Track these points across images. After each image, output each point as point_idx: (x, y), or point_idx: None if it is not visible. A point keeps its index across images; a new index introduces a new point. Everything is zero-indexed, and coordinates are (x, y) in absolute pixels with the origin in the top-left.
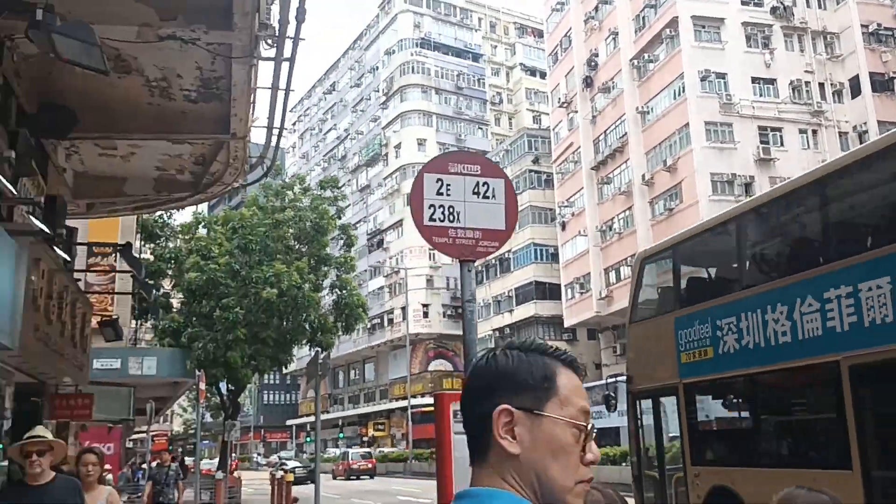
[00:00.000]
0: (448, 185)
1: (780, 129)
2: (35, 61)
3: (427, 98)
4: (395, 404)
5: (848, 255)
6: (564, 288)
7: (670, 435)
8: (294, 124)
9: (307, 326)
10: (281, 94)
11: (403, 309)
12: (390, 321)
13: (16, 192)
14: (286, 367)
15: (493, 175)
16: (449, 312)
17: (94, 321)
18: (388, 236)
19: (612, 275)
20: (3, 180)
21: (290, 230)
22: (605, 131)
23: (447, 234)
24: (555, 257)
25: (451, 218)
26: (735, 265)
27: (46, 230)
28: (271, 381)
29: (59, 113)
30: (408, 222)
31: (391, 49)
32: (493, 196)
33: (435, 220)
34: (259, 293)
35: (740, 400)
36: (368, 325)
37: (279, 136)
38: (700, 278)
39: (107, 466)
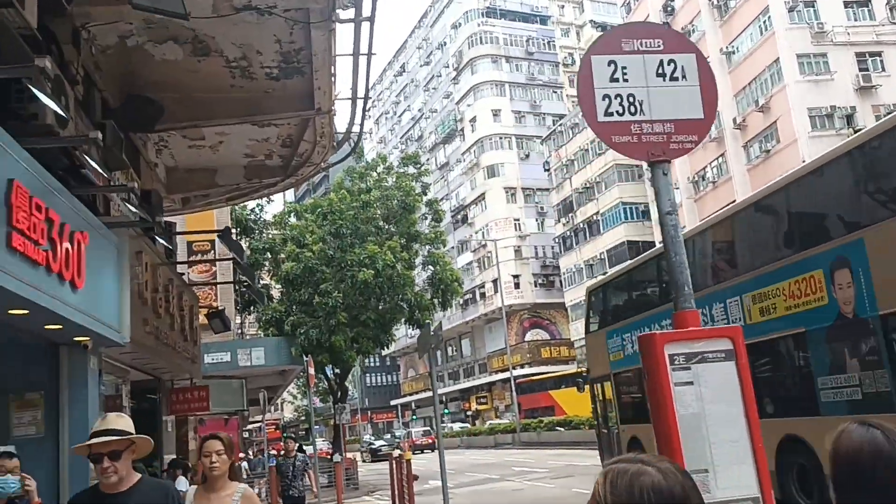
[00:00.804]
0: (623, 68)
1: (879, 54)
2: (114, 53)
3: (498, 67)
4: (495, 377)
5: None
6: (658, 244)
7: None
8: (368, 110)
9: (404, 305)
10: (363, 60)
11: (494, 282)
12: (482, 295)
13: (107, 177)
14: (387, 348)
15: (681, 50)
16: (540, 281)
17: (202, 314)
18: (472, 211)
19: None
20: (93, 163)
21: (378, 211)
22: None
23: (629, 131)
24: (646, 214)
25: (633, 109)
26: (629, 299)
27: (145, 217)
28: (372, 364)
29: (144, 105)
30: (490, 195)
31: (457, 22)
32: (684, 77)
33: (612, 115)
34: (355, 276)
35: (636, 384)
36: (461, 301)
37: (364, 105)
38: (617, 305)
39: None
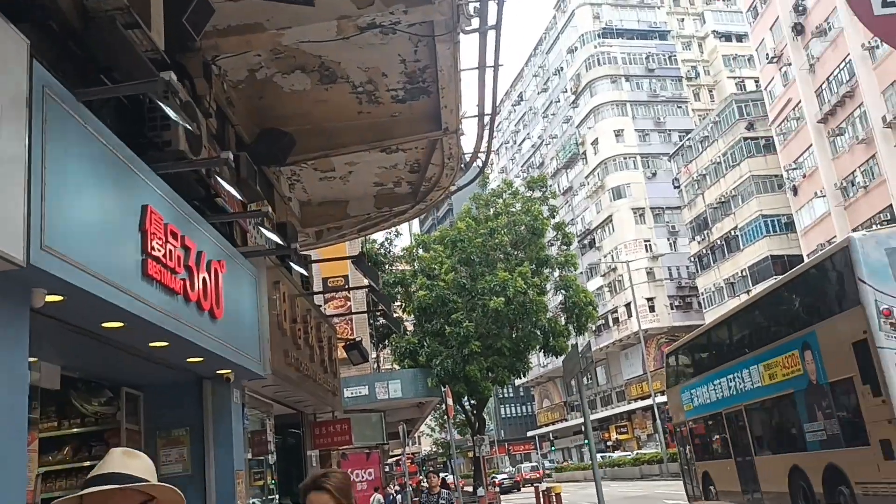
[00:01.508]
0: None
1: None
2: (245, 87)
3: (618, 87)
4: (634, 405)
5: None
6: (807, 258)
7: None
8: (497, 125)
9: (538, 332)
10: (489, 73)
11: (627, 306)
12: (615, 320)
13: (242, 200)
14: (523, 376)
15: None
16: (676, 303)
17: (339, 346)
18: (599, 234)
19: None
20: (227, 185)
21: (507, 237)
22: (827, 78)
23: None
24: (789, 227)
25: None
26: (693, 362)
27: (281, 242)
28: (506, 395)
29: (276, 138)
30: (617, 217)
31: (573, 46)
32: None
33: (892, 6)
34: (486, 304)
35: (705, 430)
36: (593, 328)
37: (492, 120)
38: (685, 366)
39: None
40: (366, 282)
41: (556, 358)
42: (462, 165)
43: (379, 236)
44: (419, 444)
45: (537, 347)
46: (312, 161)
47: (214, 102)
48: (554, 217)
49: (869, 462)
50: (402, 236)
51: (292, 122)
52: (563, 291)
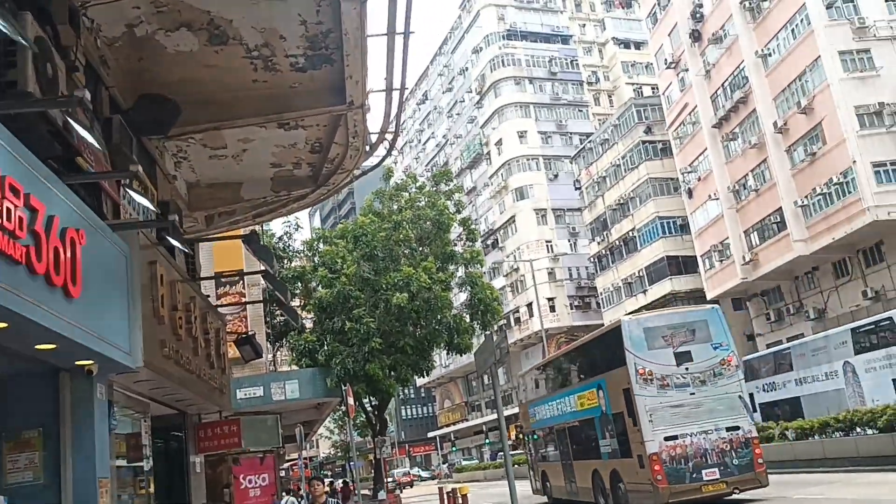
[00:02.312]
0: None
1: None
2: (123, 46)
3: (521, 89)
4: None
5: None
6: (701, 259)
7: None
8: (406, 100)
9: (442, 329)
10: (399, 41)
11: (529, 306)
12: (517, 320)
13: (105, 153)
14: (427, 374)
15: None
16: (576, 303)
17: (230, 341)
18: (502, 235)
19: (755, 236)
20: (83, 131)
21: (411, 232)
22: (722, 84)
23: None
24: (684, 228)
25: None
26: (535, 385)
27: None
28: (408, 396)
29: (158, 105)
30: (520, 217)
31: (478, 47)
32: None
33: None
34: (389, 300)
35: (545, 436)
36: (496, 328)
37: (402, 96)
38: (530, 388)
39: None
40: (261, 275)
41: (461, 356)
42: (367, 146)
43: (278, 228)
44: (317, 447)
45: (441, 345)
46: (201, 135)
47: (83, 57)
48: (460, 212)
49: (633, 469)
50: (303, 230)
51: (178, 89)
52: (468, 288)
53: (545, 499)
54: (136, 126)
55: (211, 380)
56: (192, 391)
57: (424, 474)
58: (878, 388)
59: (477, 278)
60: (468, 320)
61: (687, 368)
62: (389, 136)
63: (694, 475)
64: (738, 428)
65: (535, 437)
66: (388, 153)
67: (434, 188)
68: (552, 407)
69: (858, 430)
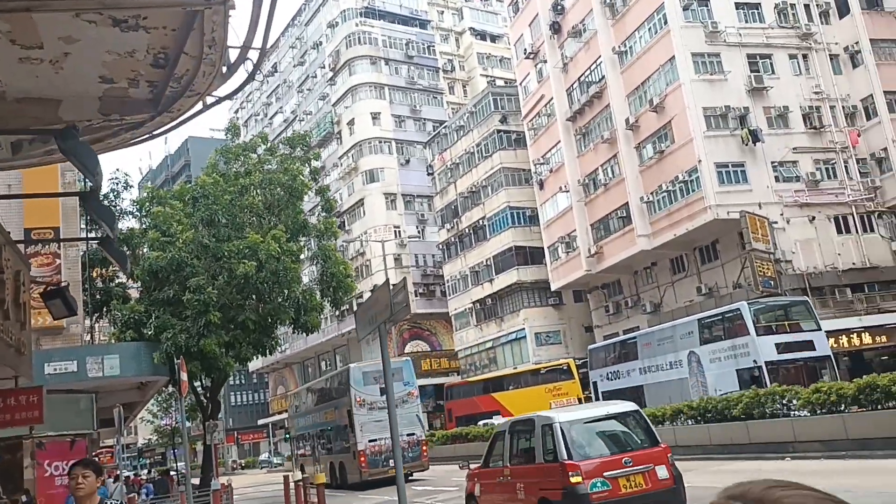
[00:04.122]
0: None
1: (769, 56)
2: None
3: (377, 69)
4: None
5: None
6: (548, 250)
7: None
8: (236, 112)
9: (289, 305)
10: None
11: (373, 292)
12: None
13: None
14: (271, 353)
15: None
16: (420, 290)
17: (35, 294)
18: (349, 217)
19: (601, 229)
20: None
21: (259, 197)
22: (578, 79)
23: None
24: (533, 220)
25: None
26: (299, 404)
27: None
28: (238, 382)
29: None
30: (369, 200)
31: (334, 21)
32: None
33: None
34: (233, 269)
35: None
36: (337, 313)
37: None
38: (296, 406)
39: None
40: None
41: (306, 336)
42: (225, 65)
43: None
44: (135, 433)
45: (287, 323)
46: (7, 22)
47: None
48: (316, 181)
49: (350, 459)
50: (133, 188)
51: None
52: (319, 262)
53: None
54: None
55: (4, 334)
56: None
57: (276, 460)
58: (722, 379)
59: (331, 251)
60: (318, 297)
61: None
62: (254, 55)
63: (383, 463)
64: (413, 434)
65: (297, 440)
66: (251, 76)
67: (289, 153)
68: (307, 419)
69: (709, 416)
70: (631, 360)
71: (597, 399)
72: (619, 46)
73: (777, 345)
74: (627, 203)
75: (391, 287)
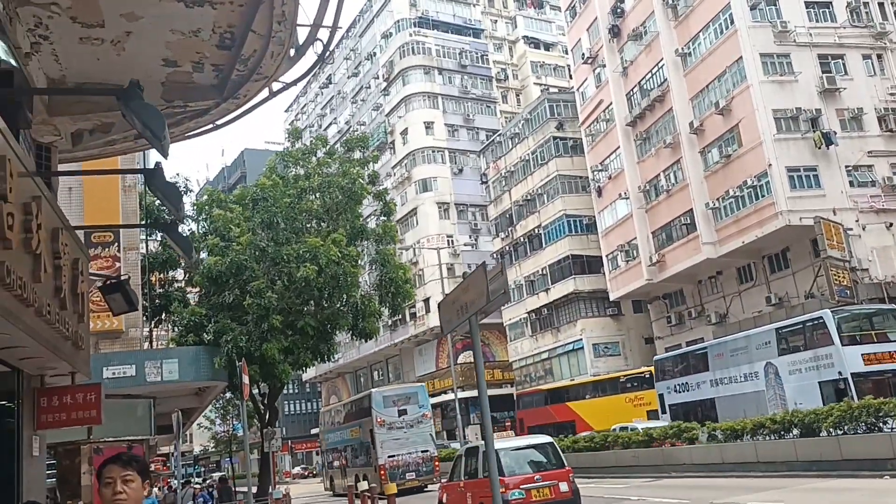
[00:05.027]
0: None
1: (841, 56)
2: None
3: (430, 79)
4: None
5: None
6: (606, 259)
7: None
8: (291, 123)
9: (348, 310)
10: None
11: (426, 301)
12: (413, 315)
13: None
14: (328, 359)
15: None
16: None
17: (94, 287)
18: (402, 227)
19: (663, 237)
20: None
21: (318, 201)
22: (639, 82)
23: None
24: (590, 228)
25: None
26: (332, 419)
27: None
28: (291, 391)
29: None
30: (422, 210)
31: (388, 32)
32: None
33: None
34: (293, 273)
35: (332, 453)
36: (390, 322)
37: None
38: (326, 421)
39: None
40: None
41: (365, 342)
42: (293, 46)
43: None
44: (190, 441)
45: (345, 328)
46: None
47: None
48: (374, 184)
49: (372, 473)
50: (191, 193)
51: None
52: (378, 267)
53: (330, 493)
54: None
55: (60, 324)
56: (27, 332)
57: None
58: (803, 392)
59: (389, 256)
60: (377, 303)
61: (403, 419)
62: (324, 35)
63: (401, 476)
64: (427, 450)
65: (328, 453)
66: (321, 59)
67: (347, 154)
68: (337, 434)
69: (795, 432)
70: (701, 372)
71: (663, 412)
72: (683, 48)
73: (863, 355)
74: (692, 209)
75: (486, 272)
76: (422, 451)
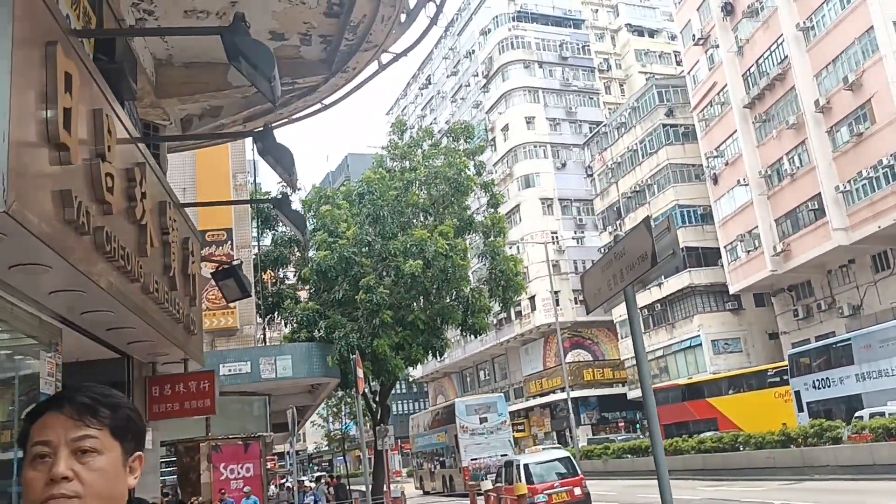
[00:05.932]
0: None
1: None
2: None
3: (531, 73)
4: (533, 402)
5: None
6: (724, 250)
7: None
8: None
9: (457, 305)
10: None
11: (531, 299)
12: (518, 314)
13: None
14: (440, 355)
15: None
16: (580, 298)
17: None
18: (506, 224)
19: (788, 224)
20: None
21: (424, 194)
22: (756, 61)
23: None
24: (705, 217)
25: None
26: (421, 426)
27: None
28: (399, 391)
29: None
30: (525, 207)
31: (486, 28)
32: None
33: None
34: (400, 267)
35: (421, 456)
36: (495, 321)
37: None
38: (416, 425)
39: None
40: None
41: (474, 337)
42: (405, 10)
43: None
44: (304, 439)
45: (455, 323)
46: None
47: None
48: (481, 174)
49: (458, 474)
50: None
51: None
52: (487, 260)
53: (421, 492)
54: None
55: (170, 305)
56: (134, 311)
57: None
58: None
59: (499, 248)
60: (487, 296)
61: (484, 426)
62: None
63: (483, 477)
64: (505, 455)
65: (417, 455)
66: (433, 22)
67: (454, 144)
68: (425, 439)
69: None
70: (844, 366)
71: (800, 410)
72: (804, 22)
73: None
74: (820, 193)
75: (650, 228)
76: (501, 455)
